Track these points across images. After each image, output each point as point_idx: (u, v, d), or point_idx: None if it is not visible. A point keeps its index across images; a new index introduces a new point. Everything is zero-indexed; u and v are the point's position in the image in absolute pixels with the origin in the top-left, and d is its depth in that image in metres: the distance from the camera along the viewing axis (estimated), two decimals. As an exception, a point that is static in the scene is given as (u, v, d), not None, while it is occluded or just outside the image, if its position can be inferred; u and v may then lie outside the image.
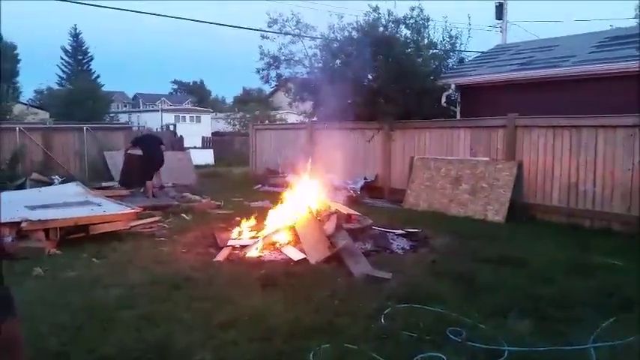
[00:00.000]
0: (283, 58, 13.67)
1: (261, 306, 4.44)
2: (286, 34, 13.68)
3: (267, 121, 30.63)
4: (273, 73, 13.95)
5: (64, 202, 7.61)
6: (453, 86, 12.16)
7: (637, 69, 9.31)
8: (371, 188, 11.85)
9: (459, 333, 3.84)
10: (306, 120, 15.94)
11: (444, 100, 12.18)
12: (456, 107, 12.38)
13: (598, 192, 8.28)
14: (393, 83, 11.54)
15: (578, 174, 8.55)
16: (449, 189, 10.09)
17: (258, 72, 13.98)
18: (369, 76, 12.22)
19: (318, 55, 13.29)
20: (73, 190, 8.63)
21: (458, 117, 12.17)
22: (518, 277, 5.42)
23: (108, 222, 6.98)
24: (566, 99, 10.13)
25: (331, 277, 5.29)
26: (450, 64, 14.05)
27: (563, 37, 12.95)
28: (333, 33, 12.88)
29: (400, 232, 7.60)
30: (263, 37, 13.80)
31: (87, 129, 14.29)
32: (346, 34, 12.64)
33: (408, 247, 6.90)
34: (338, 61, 12.55)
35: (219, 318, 4.16)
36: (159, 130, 27.70)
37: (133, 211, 7.38)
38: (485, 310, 4.38)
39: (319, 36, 13.59)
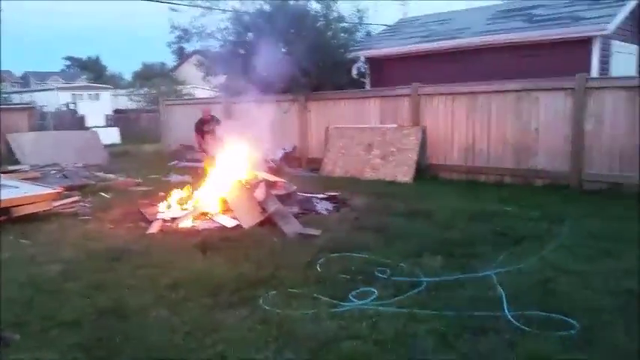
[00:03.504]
0: (194, 31, 13.52)
1: (205, 268, 4.77)
2: (195, 6, 13.51)
3: (173, 97, 29.79)
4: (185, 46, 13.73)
5: (-25, 186, 7.27)
6: (362, 58, 12.81)
7: (524, 39, 10.50)
8: (290, 159, 12.29)
9: (384, 272, 4.46)
10: (220, 94, 15.91)
11: (354, 72, 12.82)
12: (365, 78, 13.07)
13: (492, 150, 9.36)
14: (305, 56, 11.93)
15: (475, 135, 9.58)
16: (362, 155, 10.79)
17: (169, 46, 13.72)
18: (282, 50, 12.50)
19: (230, 29, 13.30)
20: (-19, 174, 8.21)
21: (368, 87, 12.88)
22: (427, 225, 6.20)
23: (30, 203, 6.83)
24: (464, 68, 11.16)
25: (266, 238, 5.72)
26: (358, 38, 14.67)
27: (459, 11, 14.03)
28: (244, 6, 12.96)
29: (322, 196, 8.13)
30: (173, 10, 13.54)
31: (-16, 110, 13.33)
32: (257, 6, 12.78)
33: (331, 209, 7.47)
34: (250, 34, 12.68)
35: (165, 281, 4.43)
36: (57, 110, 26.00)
37: (55, 191, 7.25)
38: (403, 253, 5.05)
39: (230, 9, 13.59)
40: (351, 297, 3.99)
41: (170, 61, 44.51)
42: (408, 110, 10.49)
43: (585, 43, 10.27)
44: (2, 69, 48.83)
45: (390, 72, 12.63)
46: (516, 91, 9.01)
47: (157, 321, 3.67)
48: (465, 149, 9.71)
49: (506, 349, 3.13)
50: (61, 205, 7.81)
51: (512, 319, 3.48)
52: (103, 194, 9.17)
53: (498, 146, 9.29)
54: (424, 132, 10.18)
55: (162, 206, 7.46)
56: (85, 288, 4.35)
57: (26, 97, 36.88)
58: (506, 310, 3.62)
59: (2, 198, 6.47)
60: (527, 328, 3.33)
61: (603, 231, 5.65)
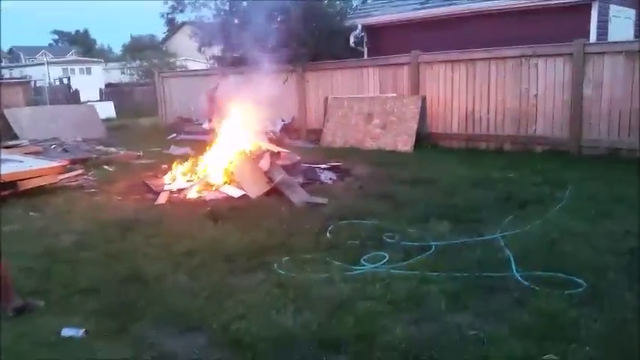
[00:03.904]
0: (187, 1, 13.34)
1: (217, 236, 4.87)
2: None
3: (166, 69, 29.48)
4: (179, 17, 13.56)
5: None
6: (359, 27, 12.70)
7: (523, 5, 10.45)
8: (289, 130, 12.29)
9: (393, 237, 4.58)
10: (217, 65, 15.77)
11: (352, 40, 12.72)
12: (363, 47, 12.99)
13: (492, 118, 9.42)
14: (301, 24, 11.82)
15: (474, 103, 9.62)
16: (362, 125, 10.82)
17: (163, 16, 13.54)
18: (279, 19, 12.37)
19: (224, -2, 13.12)
20: (-17, 149, 8.20)
21: (365, 56, 12.81)
22: (431, 192, 6.31)
23: (36, 177, 6.86)
24: (463, 35, 11.11)
25: (274, 207, 5.80)
26: (355, 5, 14.52)
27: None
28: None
29: (325, 166, 8.21)
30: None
31: (-20, 86, 13.17)
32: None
33: (335, 178, 7.56)
34: (245, 3, 12.52)
35: (180, 249, 4.54)
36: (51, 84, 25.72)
37: (60, 164, 7.29)
38: (410, 219, 5.17)
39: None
40: (362, 261, 4.11)
41: (160, 33, 43.84)
42: (408, 79, 10.48)
43: (584, 7, 10.24)
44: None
45: (389, 40, 12.55)
46: (515, 57, 9.01)
47: (176, 286, 3.78)
48: (465, 117, 9.76)
49: (516, 306, 3.26)
50: (66, 178, 7.85)
51: (520, 279, 3.61)
52: (106, 167, 9.21)
53: (498, 113, 9.34)
54: (424, 100, 10.19)
55: (167, 178, 7.52)
56: (101, 257, 4.45)
57: (16, 73, 36.41)
58: (514, 271, 3.75)
59: (8, 172, 6.50)
60: (535, 287, 3.46)
61: (604, 194, 5.78)
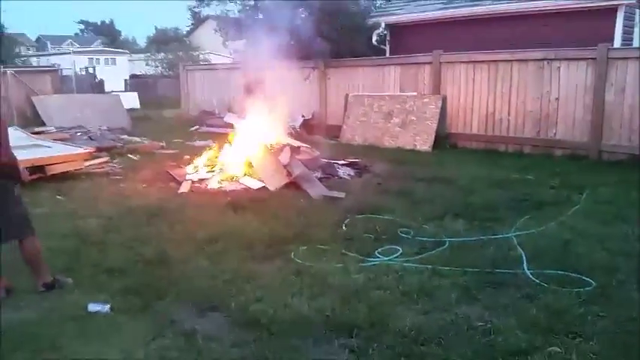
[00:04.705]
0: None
1: (238, 224, 5.03)
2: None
3: (189, 62, 29.86)
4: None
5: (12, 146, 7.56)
6: (382, 25, 12.77)
7: (548, 7, 10.42)
8: (309, 126, 12.42)
9: (408, 232, 4.69)
10: (239, 60, 15.97)
11: (374, 38, 12.79)
12: (385, 45, 13.05)
13: (512, 120, 9.43)
14: (325, 21, 11.92)
15: (495, 104, 9.63)
16: (381, 123, 10.90)
17: (190, 10, 13.76)
18: (302, 15, 12.49)
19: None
20: (15, 135, 8.47)
21: (387, 55, 12.87)
22: (449, 191, 6.39)
23: (63, 162, 7.12)
24: (486, 36, 11.12)
25: (292, 199, 5.96)
26: (378, 3, 14.58)
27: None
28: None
29: (343, 162, 8.33)
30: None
31: (12, 73, 13.54)
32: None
33: (352, 174, 7.68)
34: (268, -1, 12.67)
35: (202, 236, 4.71)
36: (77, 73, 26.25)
37: (87, 150, 7.54)
38: (426, 215, 5.27)
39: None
40: (377, 253, 4.23)
41: (184, 26, 44.28)
42: (429, 78, 10.53)
43: (610, 12, 10.16)
44: (17, 31, 48.85)
45: (411, 39, 12.59)
46: (538, 60, 9.01)
47: (197, 269, 3.96)
48: (485, 118, 9.78)
49: (525, 301, 3.35)
50: (91, 165, 8.11)
51: (531, 276, 3.70)
52: (131, 156, 9.46)
53: (518, 116, 9.34)
54: (444, 100, 10.24)
55: (189, 168, 7.73)
56: (128, 240, 4.65)
57: (42, 61, 37.16)
58: (525, 268, 3.83)
59: (37, 157, 6.76)
60: (545, 284, 3.55)
61: (621, 198, 5.81)
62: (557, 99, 8.83)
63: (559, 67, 8.76)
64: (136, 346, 2.91)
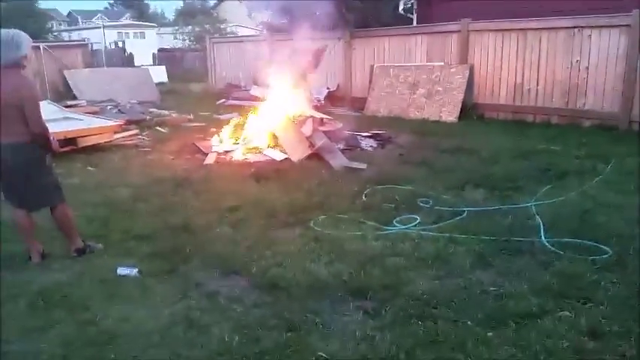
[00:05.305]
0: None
1: (260, 194, 5.18)
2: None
3: (216, 35, 29.92)
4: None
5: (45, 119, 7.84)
6: (409, -7, 12.53)
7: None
8: (333, 97, 12.43)
9: (427, 202, 4.74)
10: (265, 32, 15.95)
11: (401, 7, 12.58)
12: (412, 14, 12.82)
13: (540, 90, 9.23)
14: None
15: (524, 74, 9.43)
16: (407, 94, 10.82)
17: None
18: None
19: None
20: (48, 108, 8.78)
21: (414, 24, 12.66)
22: (471, 161, 6.38)
23: (94, 134, 7.37)
24: (514, 3, 10.78)
25: (314, 170, 6.05)
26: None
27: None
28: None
29: (366, 133, 8.36)
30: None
31: (44, 48, 13.89)
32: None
33: (375, 146, 7.71)
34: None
35: (225, 204, 4.87)
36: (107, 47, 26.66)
37: (117, 123, 7.77)
38: (446, 185, 5.31)
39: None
40: (395, 222, 4.31)
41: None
42: (456, 47, 10.35)
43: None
44: (49, 7, 49.64)
45: (438, 7, 12.30)
46: (568, 28, 8.75)
47: (221, 236, 4.12)
48: (513, 88, 9.60)
49: (539, 268, 3.39)
50: (121, 137, 8.37)
51: (547, 244, 3.72)
52: (159, 129, 9.69)
53: (547, 85, 9.14)
54: (471, 70, 10.07)
55: (215, 140, 7.88)
56: (155, 208, 4.85)
57: (74, 36, 37.80)
58: (542, 237, 3.86)
59: (69, 129, 7.00)
60: (561, 252, 3.58)
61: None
62: (587, 68, 8.59)
63: (590, 35, 8.49)
64: (162, 307, 3.09)
